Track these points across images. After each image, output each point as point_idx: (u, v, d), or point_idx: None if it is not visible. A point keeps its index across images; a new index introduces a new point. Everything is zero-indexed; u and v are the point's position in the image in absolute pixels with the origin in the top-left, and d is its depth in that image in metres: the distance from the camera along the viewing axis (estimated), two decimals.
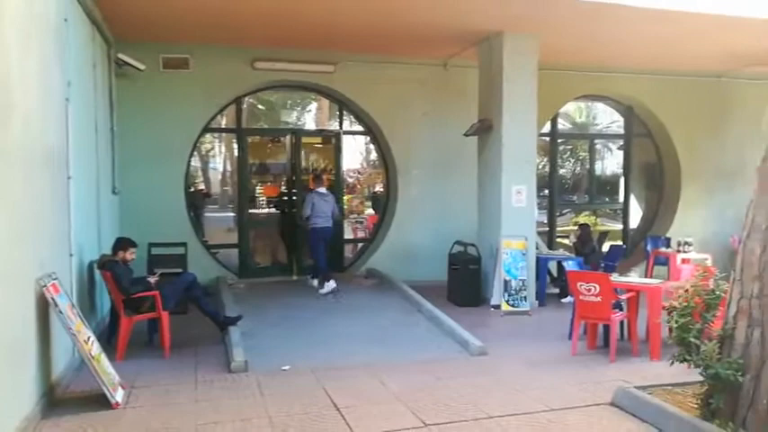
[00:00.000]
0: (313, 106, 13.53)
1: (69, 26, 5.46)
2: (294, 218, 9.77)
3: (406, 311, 7.75)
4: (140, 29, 7.86)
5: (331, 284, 8.70)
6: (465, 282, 8.37)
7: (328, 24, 7.84)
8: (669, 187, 11.75)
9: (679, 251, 9.26)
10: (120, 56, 7.89)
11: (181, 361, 5.62)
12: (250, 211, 10.15)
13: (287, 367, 5.43)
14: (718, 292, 4.05)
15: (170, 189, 8.89)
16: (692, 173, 11.35)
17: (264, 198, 11.27)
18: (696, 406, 4.04)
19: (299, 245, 9.82)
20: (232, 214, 10.80)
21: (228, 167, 15.78)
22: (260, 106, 12.87)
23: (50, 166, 4.82)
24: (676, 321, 3.98)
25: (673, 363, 4.09)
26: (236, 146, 10.30)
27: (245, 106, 10.48)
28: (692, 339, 3.89)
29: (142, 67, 8.18)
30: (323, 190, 8.99)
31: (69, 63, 5.45)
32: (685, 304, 4.02)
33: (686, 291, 4.10)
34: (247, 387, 4.93)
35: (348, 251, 10.83)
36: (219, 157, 18.02)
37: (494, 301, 8.08)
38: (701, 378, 3.96)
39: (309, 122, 14.22)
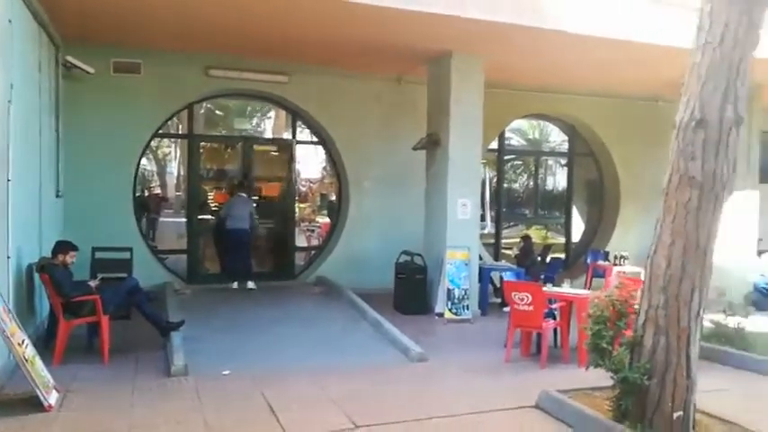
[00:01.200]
0: (272, 114, 13.62)
1: (14, 28, 5.44)
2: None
3: (352, 319, 7.90)
4: (90, 32, 7.83)
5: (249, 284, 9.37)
6: (411, 290, 8.60)
7: (281, 36, 7.98)
8: (609, 204, 12.32)
9: (615, 264, 9.74)
10: (69, 58, 7.84)
11: (120, 365, 5.63)
12: (200, 217, 10.13)
13: (227, 372, 5.50)
14: (630, 301, 4.36)
15: (117, 193, 8.83)
16: (630, 191, 11.94)
17: (216, 204, 11.24)
18: (609, 408, 4.33)
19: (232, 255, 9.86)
20: (185, 219, 10.78)
21: (183, 172, 15.67)
22: (218, 112, 12.86)
23: None
24: (591, 329, 4.28)
25: (588, 368, 4.37)
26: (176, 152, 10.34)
27: (202, 111, 10.50)
28: (605, 346, 4.18)
29: (91, 70, 8.13)
30: (242, 194, 9.58)
31: (13, 65, 5.43)
32: (599, 313, 4.32)
33: (601, 300, 4.40)
34: (186, 391, 4.99)
35: (299, 259, 10.93)
36: (176, 162, 17.87)
37: (438, 310, 8.32)
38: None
39: (267, 130, 14.29)
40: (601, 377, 4.57)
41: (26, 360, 4.44)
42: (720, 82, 4.05)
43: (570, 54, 8.54)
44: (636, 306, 4.42)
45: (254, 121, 14.66)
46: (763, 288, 10.16)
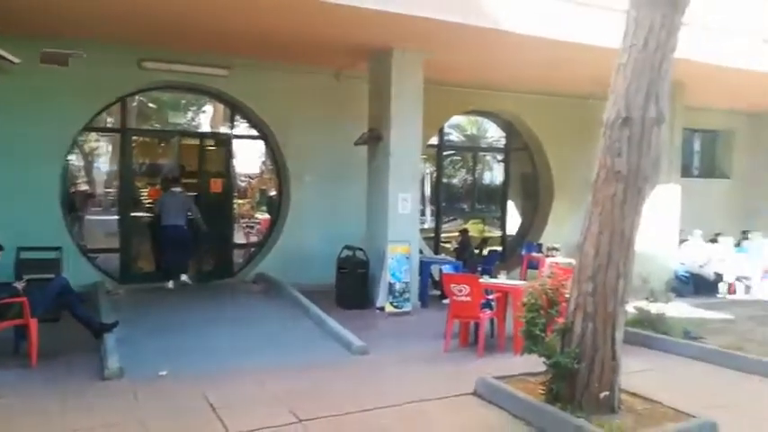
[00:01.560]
0: (208, 108, 13.34)
1: None
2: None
3: (294, 315, 7.88)
4: (15, 20, 7.41)
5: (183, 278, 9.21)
6: (353, 285, 8.65)
7: (219, 28, 7.81)
8: (543, 198, 12.79)
9: (548, 256, 10.14)
10: None
11: (50, 369, 5.41)
12: (132, 214, 9.81)
13: (164, 372, 5.39)
14: (561, 290, 4.59)
15: (45, 190, 8.42)
16: (563, 185, 12.42)
17: (149, 201, 10.91)
18: (542, 392, 4.54)
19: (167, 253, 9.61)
20: (116, 217, 10.41)
21: (116, 168, 15.12)
22: (151, 105, 12.44)
23: None
24: (525, 317, 4.47)
25: (523, 354, 4.57)
26: (112, 147, 9.98)
27: (134, 104, 10.13)
28: (538, 332, 4.39)
29: (17, 60, 7.67)
30: (176, 189, 9.29)
31: None
32: (533, 301, 4.52)
33: (534, 289, 4.61)
34: (122, 393, 4.86)
35: (238, 256, 10.77)
36: (106, 157, 17.20)
37: (379, 303, 8.42)
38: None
39: (204, 124, 13.99)
40: (535, 364, 4.79)
41: None
42: (644, 82, 4.31)
43: (508, 52, 8.77)
44: (567, 294, 4.65)
45: (190, 114, 14.29)
46: (683, 276, 10.85)
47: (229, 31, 7.99)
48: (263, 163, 11.98)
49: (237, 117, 10.40)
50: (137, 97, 10.08)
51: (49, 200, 8.50)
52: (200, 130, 11.37)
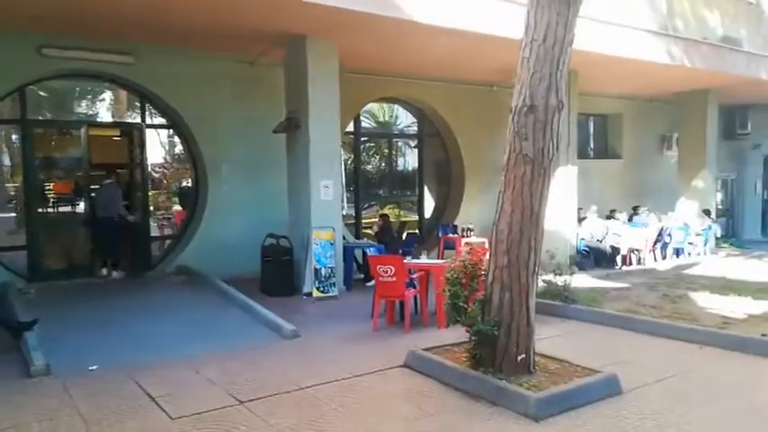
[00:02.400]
0: (107, 96, 12.76)
1: None
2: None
3: (220, 305, 7.88)
4: None
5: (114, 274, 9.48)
6: (278, 273, 8.76)
7: (122, 13, 7.56)
8: (455, 181, 13.40)
9: (463, 236, 10.71)
10: None
11: None
12: (39, 210, 9.32)
13: (94, 367, 5.31)
14: (478, 265, 5.00)
15: None
16: (473, 169, 13.08)
17: (56, 195, 10.37)
18: (466, 359, 4.95)
19: (101, 243, 9.44)
20: (12, 214, 9.82)
21: (6, 163, 14.09)
22: (42, 93, 11.71)
23: None
24: (449, 290, 4.85)
25: (448, 325, 4.96)
26: (15, 138, 9.44)
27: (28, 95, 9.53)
28: (462, 304, 4.78)
29: None
30: (108, 181, 9.58)
31: None
32: (456, 276, 4.90)
33: (455, 265, 4.99)
34: (52, 389, 4.77)
35: (156, 249, 10.51)
36: None
37: (306, 289, 8.59)
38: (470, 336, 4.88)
39: (104, 114, 13.37)
40: (457, 335, 5.20)
41: None
42: (545, 73, 4.77)
43: (418, 42, 9.13)
44: (484, 269, 5.07)
45: (87, 103, 13.60)
46: (584, 250, 11.84)
47: (134, 17, 7.76)
48: (178, 153, 11.69)
49: (148, 106, 10.09)
50: (33, 87, 9.52)
51: None
52: (108, 120, 10.90)
